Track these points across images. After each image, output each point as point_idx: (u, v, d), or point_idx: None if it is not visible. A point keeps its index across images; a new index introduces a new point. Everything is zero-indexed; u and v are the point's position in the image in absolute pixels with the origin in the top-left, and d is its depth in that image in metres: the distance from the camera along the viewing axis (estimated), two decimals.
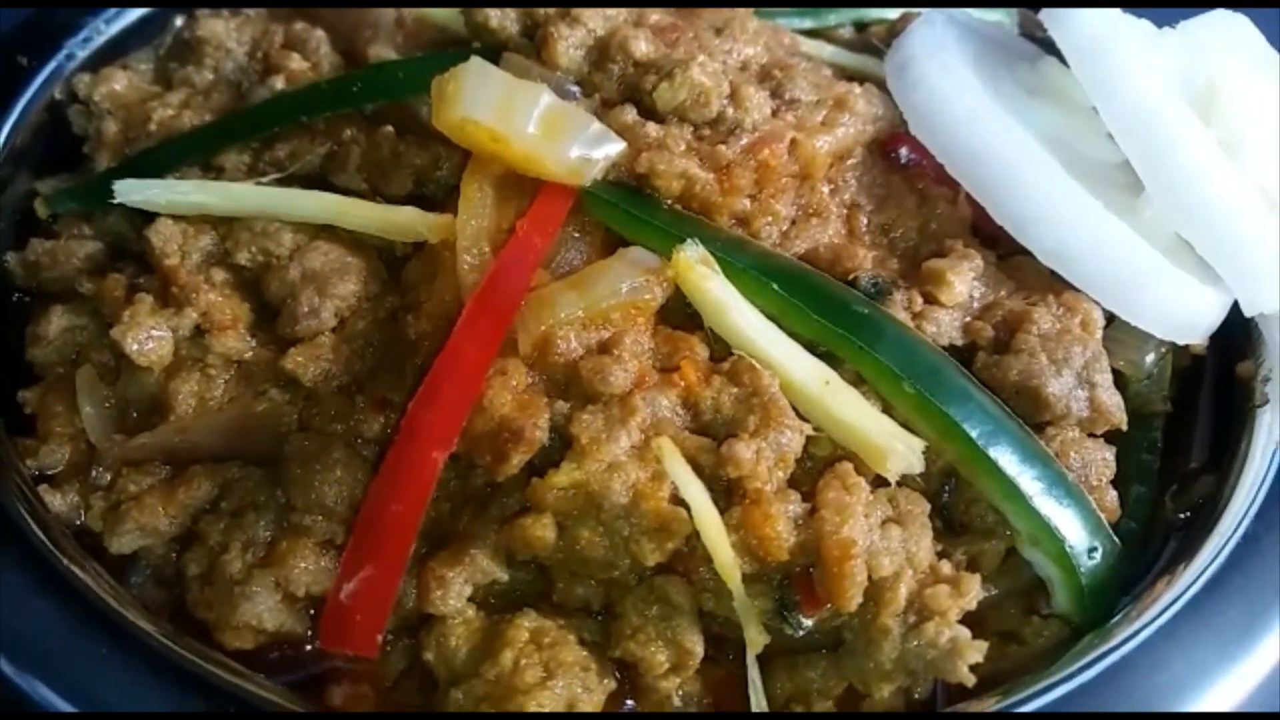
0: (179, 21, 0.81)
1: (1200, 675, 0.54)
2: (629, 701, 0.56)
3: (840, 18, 0.79)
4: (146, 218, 0.66)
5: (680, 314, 0.60)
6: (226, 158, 0.67)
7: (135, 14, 0.82)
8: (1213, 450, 0.66)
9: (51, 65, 0.77)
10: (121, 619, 0.51)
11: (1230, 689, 0.54)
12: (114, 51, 0.80)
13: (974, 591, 0.54)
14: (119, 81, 0.74)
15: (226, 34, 0.75)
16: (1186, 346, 0.68)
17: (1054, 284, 0.64)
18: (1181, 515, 0.64)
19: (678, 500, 0.53)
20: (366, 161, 0.65)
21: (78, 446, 0.62)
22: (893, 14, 0.81)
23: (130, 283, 0.62)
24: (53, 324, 0.63)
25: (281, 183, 0.64)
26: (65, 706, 0.47)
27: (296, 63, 0.70)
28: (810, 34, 0.78)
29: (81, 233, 0.70)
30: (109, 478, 0.60)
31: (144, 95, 0.73)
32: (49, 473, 0.61)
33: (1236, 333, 0.69)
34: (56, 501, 0.58)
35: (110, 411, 0.61)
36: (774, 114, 0.63)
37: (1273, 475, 0.62)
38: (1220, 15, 0.71)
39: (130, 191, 0.61)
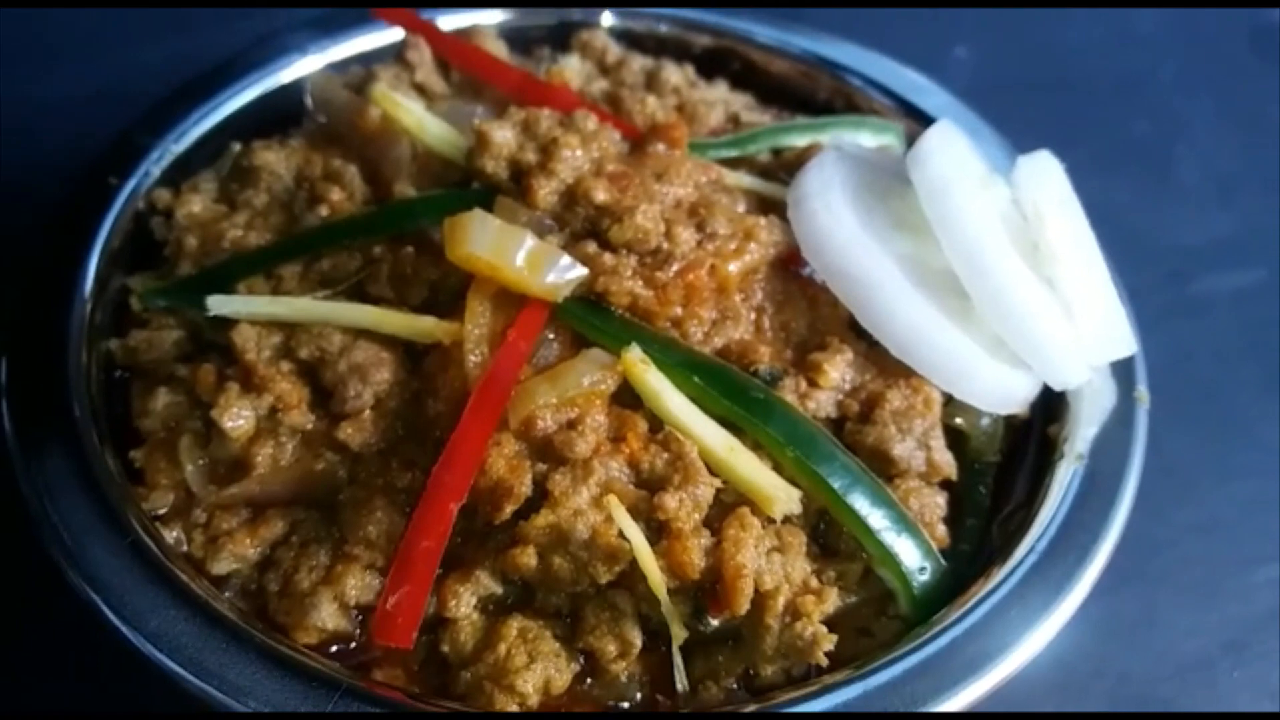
0: (236, 147, 0.98)
1: (1000, 649, 0.72)
2: (588, 679, 0.74)
3: (759, 146, 0.97)
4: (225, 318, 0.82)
5: (627, 397, 0.77)
6: (283, 269, 0.84)
7: (196, 136, 0.99)
8: (1028, 492, 0.84)
9: (133, 182, 0.94)
10: (233, 620, 0.69)
11: (1018, 657, 0.73)
12: (182, 169, 0.97)
13: (831, 601, 0.73)
14: (195, 204, 0.91)
15: (276, 162, 0.92)
16: None
17: (905, 370, 0.82)
18: (1002, 541, 0.86)
19: (623, 536, 0.70)
20: (393, 275, 0.82)
21: (179, 494, 0.78)
22: (802, 142, 0.99)
23: (219, 371, 0.79)
24: (158, 401, 0.80)
25: (331, 296, 0.82)
26: (201, 684, 0.65)
27: (336, 194, 0.87)
28: (735, 160, 0.96)
29: (168, 323, 0.86)
30: (205, 518, 0.77)
31: (215, 215, 0.90)
32: (158, 513, 0.78)
33: (1054, 399, 0.88)
34: (168, 535, 0.77)
35: (204, 468, 0.78)
36: (698, 244, 0.81)
37: (1064, 511, 0.83)
38: (1041, 156, 0.92)
39: (221, 305, 0.79)
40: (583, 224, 0.82)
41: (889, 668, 0.71)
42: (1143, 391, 0.87)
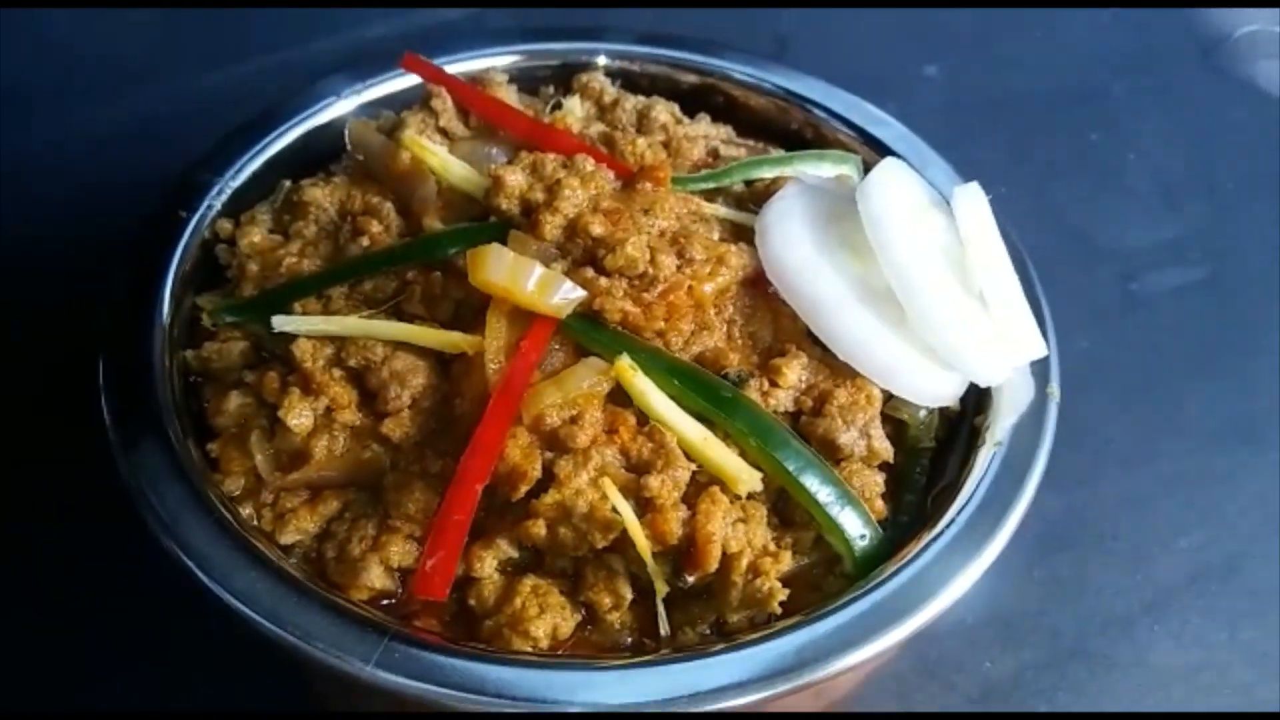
0: (286, 184, 1.12)
1: (925, 597, 0.85)
2: (589, 627, 0.88)
3: (734, 178, 1.10)
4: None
5: (619, 397, 0.89)
6: (332, 291, 0.98)
7: (250, 173, 1.13)
8: (957, 472, 0.97)
9: (199, 214, 1.08)
10: (300, 579, 0.83)
11: (939, 604, 0.85)
12: (239, 202, 1.11)
13: (786, 562, 0.87)
14: (255, 234, 1.05)
15: (322, 197, 1.06)
16: None
17: (852, 371, 0.94)
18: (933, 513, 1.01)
19: (615, 510, 0.83)
20: (424, 296, 0.96)
21: (249, 479, 0.92)
22: (771, 174, 1.12)
23: (281, 378, 0.94)
24: (230, 402, 0.94)
25: (373, 314, 0.95)
26: (277, 630, 0.79)
27: (375, 226, 1.01)
28: (713, 191, 1.10)
29: (234, 336, 0.99)
30: (272, 498, 0.91)
31: (272, 244, 1.04)
32: (233, 495, 0.92)
33: (982, 394, 1.01)
34: (242, 512, 0.91)
35: (271, 458, 0.91)
36: (678, 269, 0.94)
37: (983, 488, 0.96)
38: (970, 188, 1.05)
39: (283, 323, 0.92)
40: (582, 253, 0.95)
41: (833, 614, 0.85)
42: (1054, 388, 1.01)
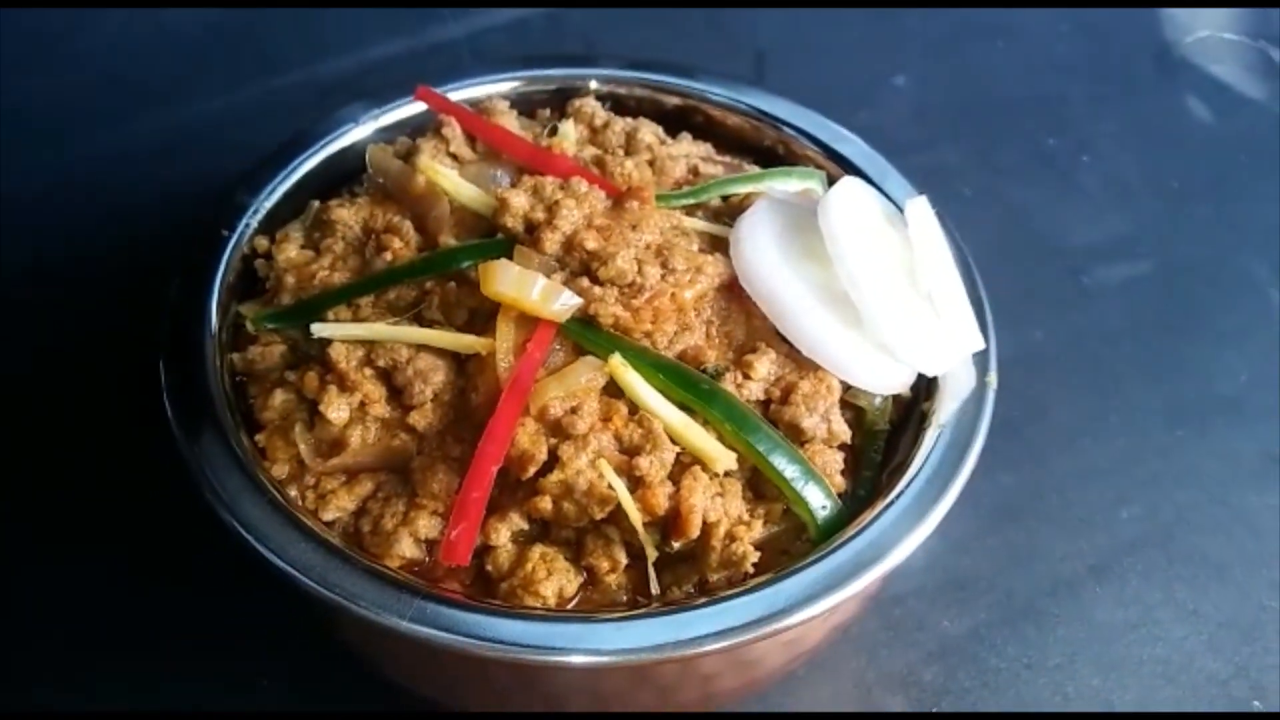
0: (315, 204, 1.24)
1: (876, 558, 0.96)
2: (590, 588, 0.99)
3: (711, 194, 1.24)
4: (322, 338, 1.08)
5: (612, 389, 0.98)
6: (360, 300, 1.12)
7: (281, 194, 1.26)
8: (907, 452, 1.09)
9: (238, 232, 1.21)
10: (344, 549, 0.96)
11: (889, 563, 0.96)
12: (272, 220, 1.24)
13: (758, 529, 0.99)
14: (290, 250, 1.17)
15: (348, 216, 1.18)
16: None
17: (814, 365, 1.07)
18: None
19: (611, 487, 0.93)
20: (442, 304, 1.08)
21: (293, 465, 1.03)
22: (745, 190, 1.26)
23: (320, 377, 1.07)
24: (275, 399, 1.06)
25: (398, 321, 1.08)
26: (327, 592, 0.91)
27: (397, 243, 1.13)
28: (693, 206, 1.23)
29: (274, 340, 1.12)
30: (314, 481, 1.03)
31: (305, 259, 1.16)
32: (280, 479, 1.05)
33: (930, 383, 1.14)
34: (290, 494, 1.07)
35: (312, 446, 1.03)
36: (662, 278, 1.06)
37: (929, 465, 1.12)
38: (919, 201, 1.19)
39: (321, 330, 1.05)
40: (578, 265, 1.08)
41: (798, 572, 0.98)
42: (992, 378, 1.14)
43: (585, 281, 1.08)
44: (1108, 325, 1.71)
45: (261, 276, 1.17)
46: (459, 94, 1.35)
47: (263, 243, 1.18)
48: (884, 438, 1.15)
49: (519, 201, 1.13)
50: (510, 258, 1.08)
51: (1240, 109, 2.06)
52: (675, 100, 1.44)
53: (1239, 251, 1.83)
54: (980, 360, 1.17)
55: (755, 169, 1.33)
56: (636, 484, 0.97)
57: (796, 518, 1.06)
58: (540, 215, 1.12)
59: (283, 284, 1.11)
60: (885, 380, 1.11)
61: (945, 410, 1.12)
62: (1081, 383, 1.64)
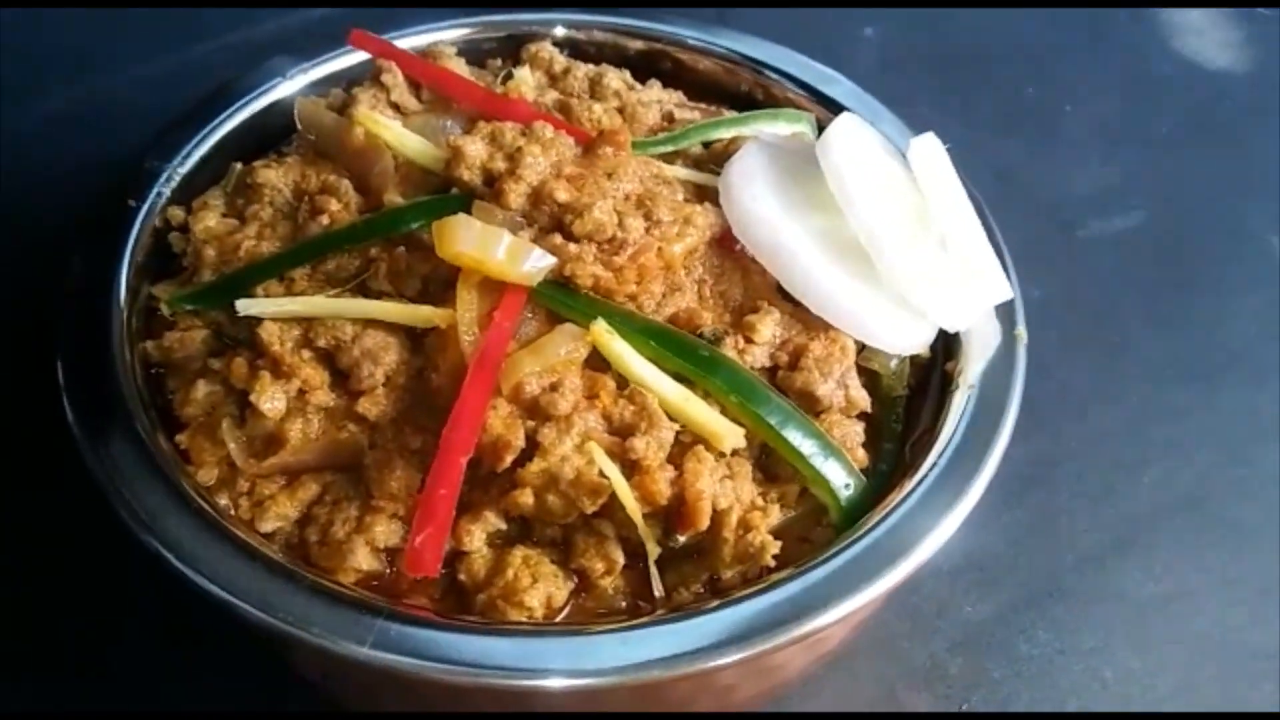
0: (238, 167, 1.09)
1: (910, 544, 0.86)
2: (582, 594, 0.87)
3: (691, 140, 1.11)
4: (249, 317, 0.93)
5: (596, 361, 0.88)
6: (294, 272, 0.96)
7: (198, 158, 1.10)
8: (932, 418, 0.98)
9: (149, 203, 1.06)
10: (288, 565, 0.82)
11: (925, 550, 0.86)
12: (188, 188, 1.08)
13: (775, 515, 0.88)
14: (210, 219, 1.02)
15: (276, 179, 1.03)
16: None
17: (824, 324, 0.95)
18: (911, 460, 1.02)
19: (602, 475, 0.83)
20: (390, 272, 0.94)
21: (222, 468, 0.89)
22: (728, 135, 1.13)
23: (250, 363, 0.91)
24: (198, 391, 0.92)
25: (339, 293, 0.93)
26: (271, 619, 0.77)
27: (334, 205, 0.99)
28: (671, 154, 1.10)
29: (194, 324, 0.97)
30: (248, 486, 0.88)
31: (228, 228, 1.01)
32: (207, 486, 0.89)
33: (951, 340, 1.02)
34: (220, 502, 0.90)
35: (244, 445, 0.89)
36: (646, 231, 0.93)
37: (960, 432, 0.99)
38: (926, 137, 1.06)
39: (248, 307, 0.90)
40: (548, 219, 0.94)
41: (824, 564, 0.86)
42: (1021, 331, 1.03)
43: (558, 238, 0.93)
44: (1107, 280, 1.61)
45: (177, 252, 1.04)
46: (399, 44, 1.18)
47: (178, 214, 1.07)
48: (903, 404, 1.02)
49: (475, 150, 0.97)
50: (469, 214, 0.92)
51: (1222, 51, 1.97)
52: (639, 45, 1.30)
53: (1234, 198, 1.74)
54: (1003, 313, 1.04)
55: (735, 115, 1.18)
56: (632, 469, 0.86)
57: (815, 499, 0.93)
58: (500, 165, 0.97)
59: (202, 258, 0.97)
60: (905, 338, 0.98)
61: (973, 370, 0.99)
62: (1086, 342, 1.53)
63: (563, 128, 1.03)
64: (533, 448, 0.85)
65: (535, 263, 0.91)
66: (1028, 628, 1.23)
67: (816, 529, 0.93)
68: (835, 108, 1.23)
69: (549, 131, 1.01)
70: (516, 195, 0.95)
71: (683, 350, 0.90)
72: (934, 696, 1.17)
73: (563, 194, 0.94)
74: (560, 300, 0.91)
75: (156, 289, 1.02)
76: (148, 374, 0.98)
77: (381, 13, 1.44)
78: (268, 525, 0.88)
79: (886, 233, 0.95)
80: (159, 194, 1.07)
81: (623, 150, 1.01)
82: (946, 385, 1.01)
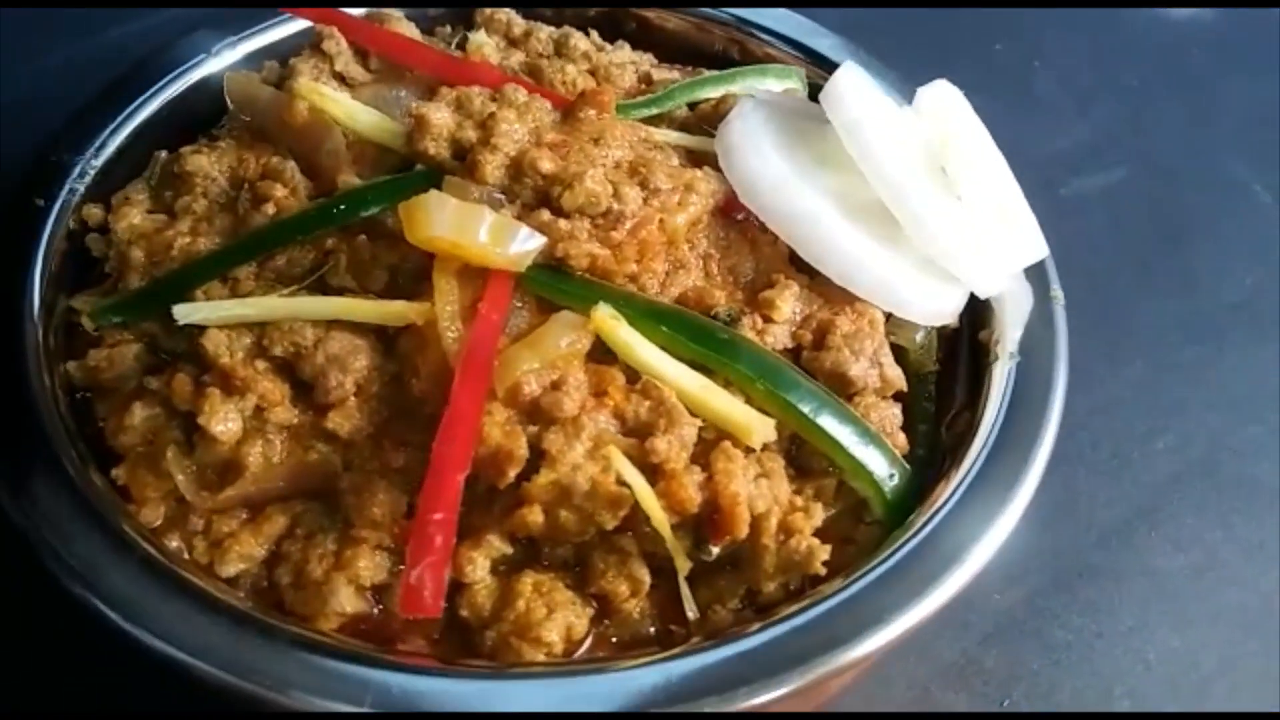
0: (162, 155, 0.95)
1: (970, 542, 0.78)
2: (605, 621, 0.77)
3: (677, 101, 1.00)
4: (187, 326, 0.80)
5: (599, 353, 0.79)
6: (238, 271, 0.84)
7: (114, 148, 0.96)
8: (968, 394, 0.90)
9: (60, 201, 0.92)
10: (260, 617, 0.69)
11: (987, 548, 0.79)
12: (105, 183, 0.94)
13: (819, 516, 0.78)
14: (134, 215, 0.89)
15: (209, 165, 0.90)
16: None
17: (848, 295, 0.86)
18: (952, 441, 0.91)
19: (620, 483, 0.73)
20: (351, 264, 0.82)
21: (169, 505, 0.78)
22: (716, 94, 1.02)
23: (194, 379, 0.78)
24: (134, 416, 0.79)
25: (294, 292, 0.81)
26: (244, 684, 0.65)
27: (280, 191, 0.86)
28: (656, 119, 0.99)
29: (124, 338, 0.84)
30: (202, 524, 0.77)
31: (157, 225, 0.88)
32: (153, 527, 0.77)
33: (979, 307, 0.93)
34: (170, 545, 0.77)
35: (193, 476, 0.77)
36: (645, 201, 0.83)
37: (1006, 408, 0.89)
38: (940, 85, 0.98)
39: (188, 314, 0.77)
40: (531, 194, 0.83)
41: (874, 571, 0.76)
42: (1058, 291, 0.94)
43: (545, 214, 0.82)
44: (1096, 240, 1.54)
45: (98, 256, 0.92)
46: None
47: (95, 212, 0.93)
48: (933, 381, 0.92)
49: (441, 118, 0.85)
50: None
51: None
52: (599, 5, 1.17)
53: (1213, 149, 1.69)
54: (1033, 274, 0.94)
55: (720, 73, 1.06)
56: (654, 474, 0.76)
57: (853, 494, 0.82)
58: (471, 134, 0.85)
59: (128, 261, 0.85)
60: (935, 306, 0.89)
61: (1010, 338, 0.89)
62: (1083, 307, 1.43)
63: (536, 91, 0.91)
64: (538, 457, 0.75)
65: (523, 243, 0.79)
66: (1060, 612, 1.14)
67: (858, 527, 0.83)
68: (822, 63, 1.12)
69: (522, 95, 0.89)
70: (493, 168, 0.83)
71: (699, 334, 0.80)
72: (971, 695, 1.08)
73: (547, 164, 0.83)
74: (552, 285, 0.81)
75: (75, 301, 0.89)
76: (71, 400, 0.84)
77: None
78: (230, 569, 0.76)
79: (910, 187, 0.86)
80: (71, 190, 0.93)
81: (606, 113, 0.90)
82: (981, 357, 0.92)
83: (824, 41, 1.15)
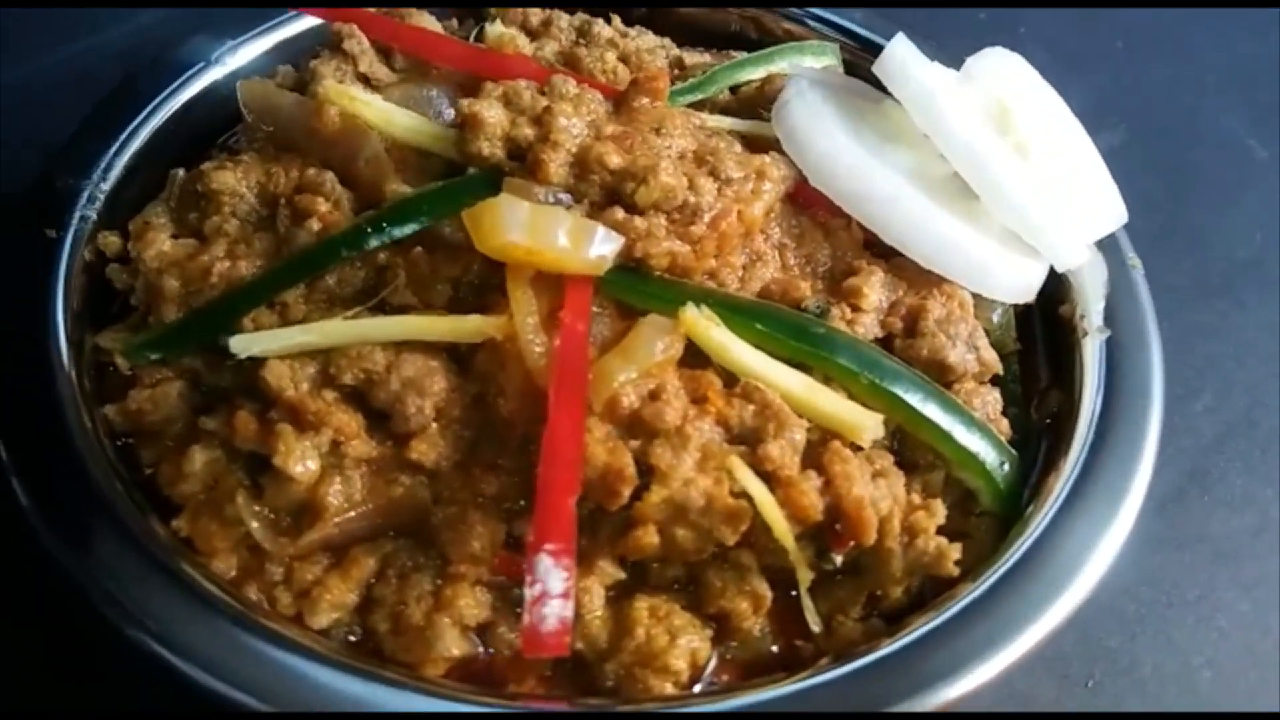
0: (180, 174, 0.87)
1: (1090, 539, 0.75)
2: (726, 641, 0.73)
3: (720, 85, 0.96)
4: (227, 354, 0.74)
5: (692, 357, 0.74)
6: (286, 295, 0.77)
7: (121, 167, 0.89)
8: (1054, 372, 0.87)
9: (73, 230, 0.84)
10: (366, 669, 0.65)
11: (1108, 546, 0.76)
12: (117, 207, 0.87)
13: (941, 512, 0.74)
14: (162, 242, 0.81)
15: (236, 181, 0.83)
16: None
17: (932, 277, 0.83)
18: (1045, 422, 0.86)
19: (736, 495, 0.69)
20: (411, 280, 0.77)
21: (241, 553, 0.72)
22: (758, 75, 0.98)
23: (257, 416, 0.72)
24: (196, 462, 0.72)
25: (356, 314, 0.75)
26: None
27: (323, 205, 0.79)
28: (699, 104, 0.93)
29: (162, 376, 0.77)
30: (282, 574, 0.71)
31: (188, 250, 0.80)
32: (228, 579, 0.70)
33: (1050, 282, 0.89)
34: (251, 598, 0.70)
35: (267, 522, 0.71)
36: (719, 192, 0.79)
37: (1104, 386, 0.85)
38: (998, 52, 0.94)
39: (248, 345, 0.71)
40: (599, 191, 0.78)
41: (998, 569, 0.73)
42: (1135, 259, 0.91)
43: (619, 213, 0.76)
44: None
45: (121, 289, 0.85)
46: None
47: (113, 240, 0.86)
48: (1015, 362, 0.88)
49: (494, 116, 0.79)
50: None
51: None
52: None
53: (1206, 106, 1.68)
54: (1104, 241, 0.92)
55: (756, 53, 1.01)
56: (769, 483, 0.71)
57: (958, 487, 0.78)
58: (528, 132, 0.79)
59: (161, 293, 0.78)
60: (1021, 282, 0.86)
61: (1095, 311, 0.86)
62: None
63: (585, 82, 0.85)
64: (646, 474, 0.70)
65: (601, 245, 0.74)
66: (1130, 585, 1.11)
67: (970, 520, 0.79)
68: (851, 37, 1.08)
69: (572, 87, 0.83)
70: (558, 166, 0.77)
71: (794, 330, 0.76)
72: (1055, 678, 1.04)
73: (614, 158, 0.77)
74: (635, 287, 0.77)
75: (102, 338, 0.82)
76: (117, 447, 0.77)
77: None
78: (322, 619, 0.71)
79: (989, 159, 0.83)
80: (83, 218, 0.85)
81: (660, 100, 0.84)
82: (1064, 334, 0.88)
83: (849, 15, 1.10)
